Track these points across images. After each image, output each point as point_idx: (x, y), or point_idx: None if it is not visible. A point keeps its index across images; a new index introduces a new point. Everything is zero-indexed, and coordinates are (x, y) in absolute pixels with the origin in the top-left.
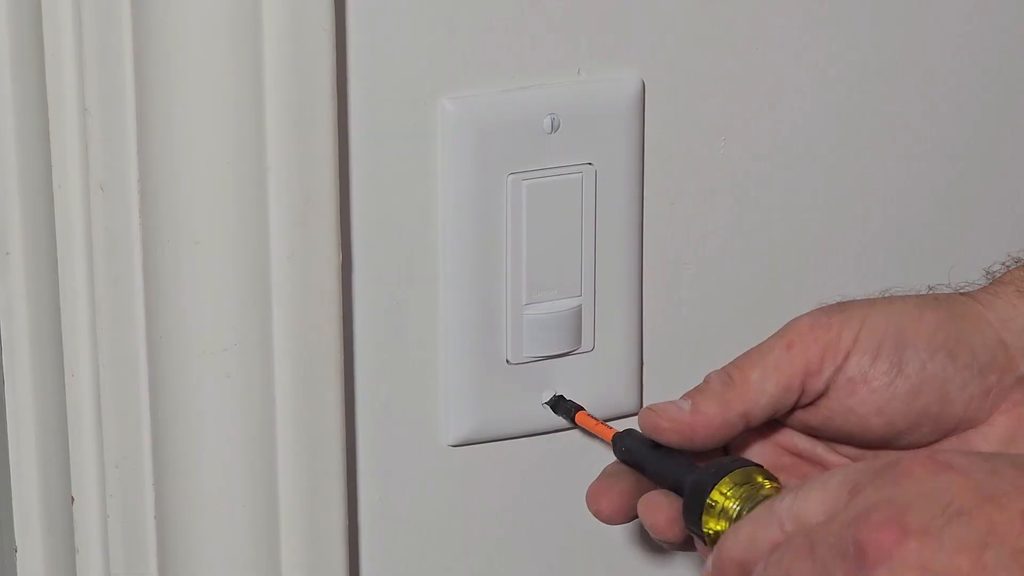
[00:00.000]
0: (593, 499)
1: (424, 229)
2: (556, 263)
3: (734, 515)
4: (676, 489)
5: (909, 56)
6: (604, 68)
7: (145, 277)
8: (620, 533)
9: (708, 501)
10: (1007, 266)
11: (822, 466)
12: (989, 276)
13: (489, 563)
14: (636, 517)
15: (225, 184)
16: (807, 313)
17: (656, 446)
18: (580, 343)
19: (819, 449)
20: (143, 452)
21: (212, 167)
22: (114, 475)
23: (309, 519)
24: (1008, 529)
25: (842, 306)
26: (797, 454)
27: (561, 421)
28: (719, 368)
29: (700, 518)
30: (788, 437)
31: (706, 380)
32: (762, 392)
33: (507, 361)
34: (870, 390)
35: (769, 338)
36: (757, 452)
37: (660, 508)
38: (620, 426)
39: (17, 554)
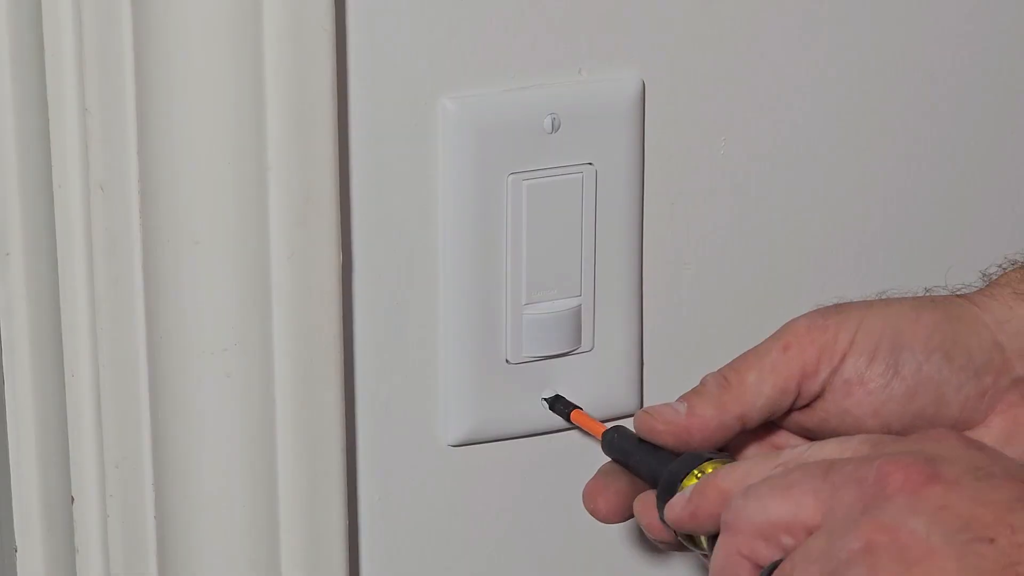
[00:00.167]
0: (589, 498)
1: (424, 229)
2: (556, 263)
3: None
4: (656, 483)
5: (909, 56)
6: (604, 68)
7: (145, 277)
8: (619, 533)
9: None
10: (1003, 268)
11: None
12: (985, 278)
13: (489, 563)
14: (631, 516)
15: (225, 184)
16: (803, 315)
17: (643, 442)
18: (580, 343)
19: None
20: (143, 452)
21: (212, 167)
22: (114, 475)
23: (309, 519)
24: None
25: (838, 308)
26: None
27: (561, 421)
28: (715, 370)
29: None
30: (784, 439)
31: (702, 382)
32: (758, 394)
33: (507, 361)
34: (866, 392)
35: (765, 340)
36: (753, 454)
37: (656, 507)
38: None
39: (17, 554)
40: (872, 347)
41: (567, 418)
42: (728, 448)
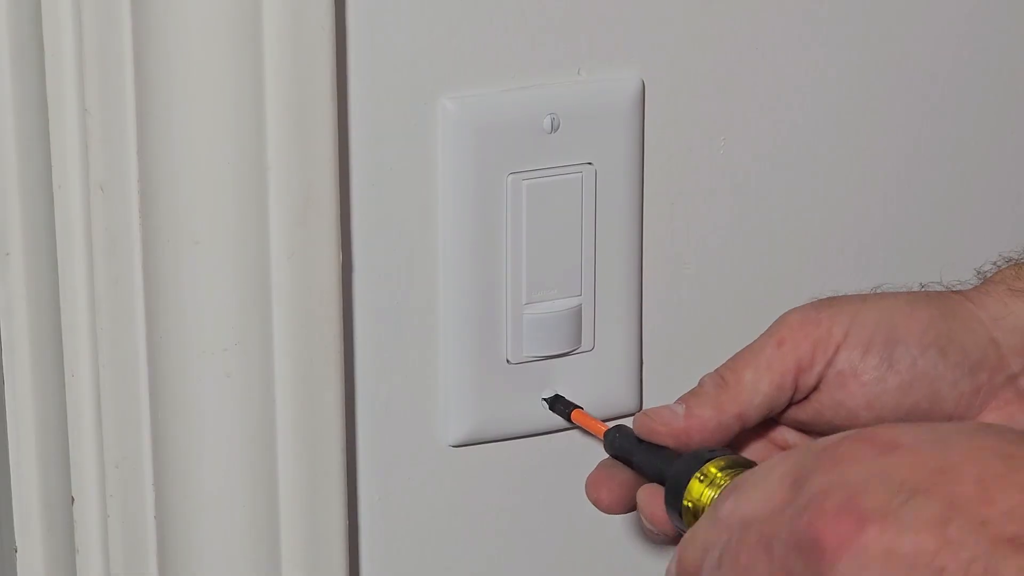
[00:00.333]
0: (593, 488)
1: (424, 229)
2: (556, 263)
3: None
4: (662, 482)
5: (909, 56)
6: (604, 68)
7: (145, 277)
8: (619, 533)
9: (684, 495)
10: (998, 266)
11: None
12: (981, 276)
13: (489, 563)
14: (634, 508)
15: (225, 184)
16: (796, 308)
17: (645, 441)
18: (580, 343)
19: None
20: (143, 452)
21: (212, 167)
22: (114, 475)
23: (309, 519)
24: (967, 499)
25: (832, 301)
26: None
27: (561, 421)
28: (713, 370)
29: (680, 513)
30: (781, 433)
31: (700, 383)
32: (756, 392)
33: (507, 361)
34: (860, 384)
35: (760, 336)
36: (751, 450)
37: (660, 499)
38: None
39: (17, 554)
40: (866, 340)
41: (567, 418)
42: (731, 444)
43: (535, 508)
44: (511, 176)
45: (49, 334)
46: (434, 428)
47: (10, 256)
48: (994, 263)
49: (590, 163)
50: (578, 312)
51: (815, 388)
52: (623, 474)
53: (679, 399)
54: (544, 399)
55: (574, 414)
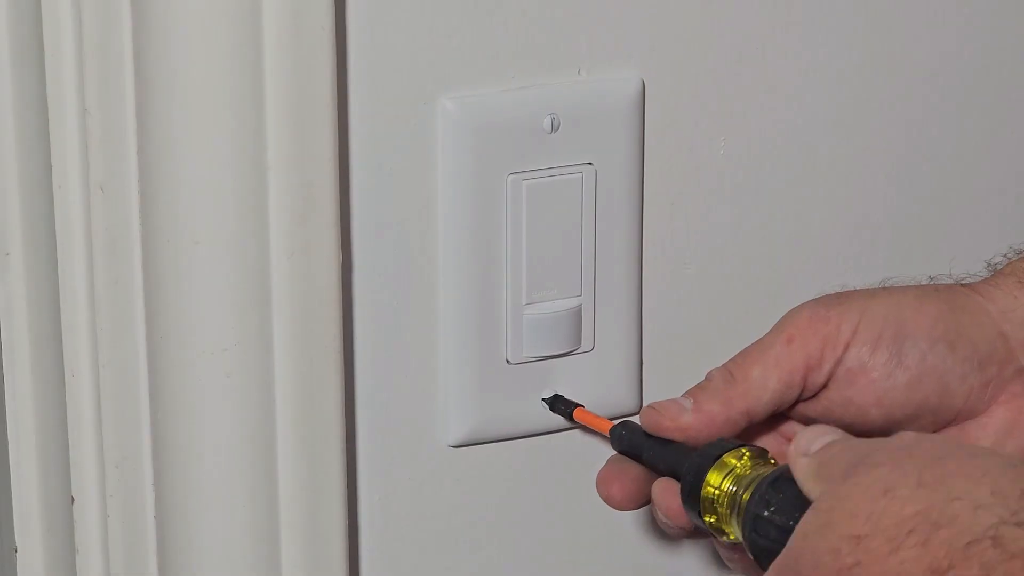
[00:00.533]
0: (604, 485)
1: (424, 229)
2: (556, 263)
3: (726, 500)
4: (676, 476)
5: (909, 55)
6: (604, 68)
7: (145, 277)
8: (619, 532)
9: (704, 488)
10: (1008, 258)
11: None
12: (991, 268)
13: (489, 563)
14: (647, 503)
15: (225, 184)
16: (804, 304)
17: (652, 436)
18: (580, 343)
19: None
20: (143, 452)
21: (212, 167)
22: (114, 475)
23: (309, 519)
24: None
25: (840, 297)
26: None
27: (561, 421)
28: (720, 365)
29: (697, 506)
30: (791, 428)
31: (708, 378)
32: (764, 389)
33: (507, 361)
34: (869, 380)
35: (768, 333)
36: (760, 443)
37: (675, 492)
38: None
39: (17, 554)
40: (875, 336)
41: (568, 417)
42: (739, 437)
43: (535, 508)
44: (511, 176)
45: (49, 334)
46: (434, 428)
47: (10, 256)
48: (1004, 255)
49: (590, 163)
50: (578, 312)
51: (824, 386)
52: (633, 469)
53: (686, 393)
54: (544, 399)
55: (576, 412)
